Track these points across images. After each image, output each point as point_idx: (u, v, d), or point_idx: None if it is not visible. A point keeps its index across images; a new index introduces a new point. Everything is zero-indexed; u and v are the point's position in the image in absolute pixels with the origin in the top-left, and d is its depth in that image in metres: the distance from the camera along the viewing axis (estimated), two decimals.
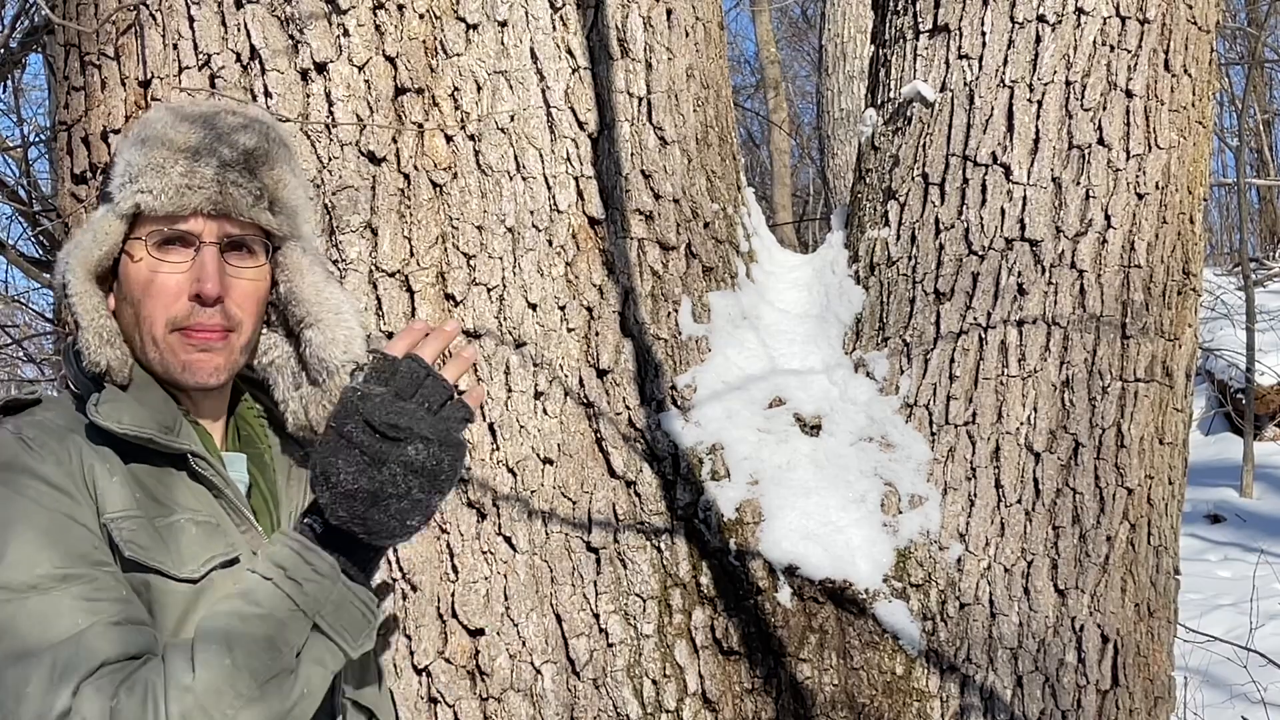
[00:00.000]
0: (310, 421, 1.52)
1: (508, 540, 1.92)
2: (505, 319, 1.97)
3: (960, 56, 2.27)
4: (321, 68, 1.93)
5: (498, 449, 1.93)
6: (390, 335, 1.91)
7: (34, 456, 1.27)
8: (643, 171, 2.12)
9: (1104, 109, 2.19)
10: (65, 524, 1.25)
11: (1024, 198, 2.18)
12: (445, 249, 1.95)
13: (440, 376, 1.33)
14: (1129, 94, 2.20)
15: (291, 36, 1.93)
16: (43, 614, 1.20)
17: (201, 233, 1.39)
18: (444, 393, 1.32)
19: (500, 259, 1.97)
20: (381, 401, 1.27)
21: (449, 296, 1.94)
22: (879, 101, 2.43)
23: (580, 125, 2.07)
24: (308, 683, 1.24)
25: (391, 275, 1.92)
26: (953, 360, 2.16)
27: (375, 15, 1.95)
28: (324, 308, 1.51)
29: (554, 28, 2.06)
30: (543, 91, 2.04)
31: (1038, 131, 2.19)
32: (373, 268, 1.92)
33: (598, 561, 1.96)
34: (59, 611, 1.21)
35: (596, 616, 1.94)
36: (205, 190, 1.38)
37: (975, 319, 2.17)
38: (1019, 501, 2.10)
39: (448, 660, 1.89)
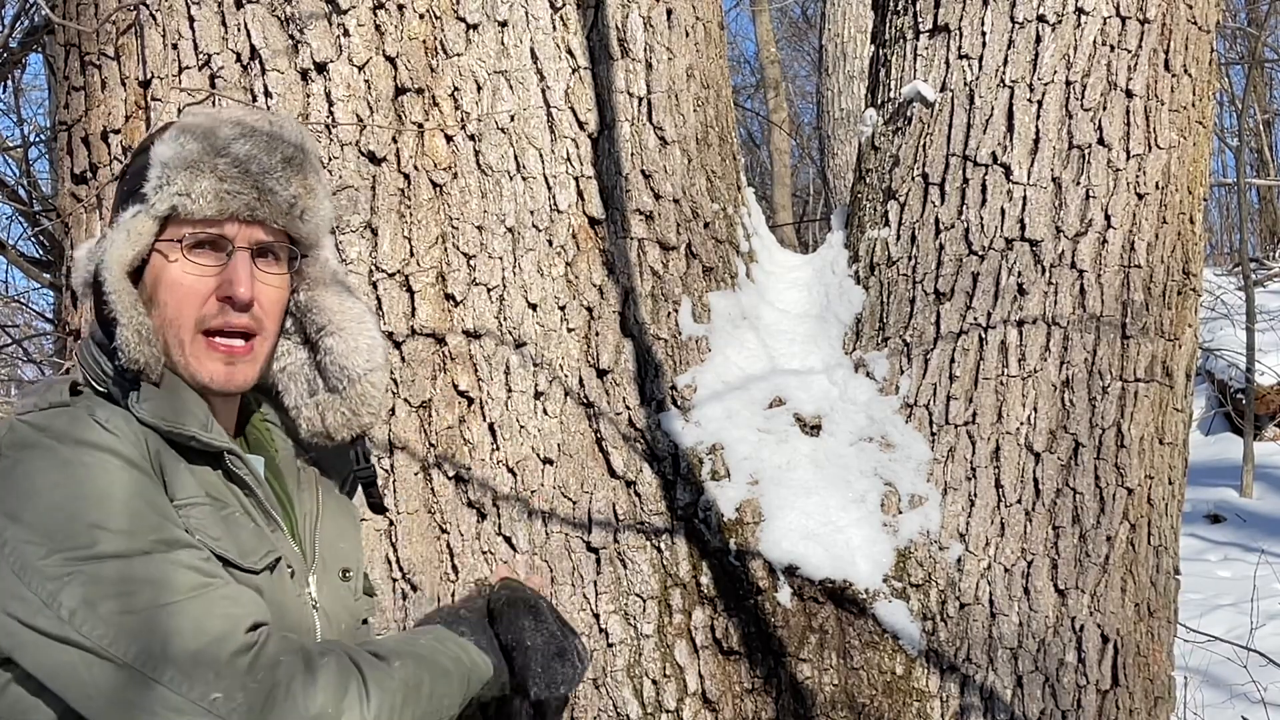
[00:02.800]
0: (326, 428, 1.53)
1: (508, 540, 1.92)
2: (505, 319, 1.97)
3: (960, 56, 2.27)
4: (321, 68, 1.93)
5: (498, 449, 1.93)
6: (390, 335, 1.91)
7: (113, 437, 1.28)
8: (643, 171, 2.12)
9: (1104, 109, 2.19)
10: (157, 498, 1.28)
11: (1024, 198, 2.18)
12: (445, 249, 1.95)
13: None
14: (1129, 94, 2.20)
15: (291, 36, 1.93)
16: (169, 571, 1.24)
17: (235, 237, 1.40)
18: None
19: (500, 259, 1.97)
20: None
21: (449, 296, 1.94)
22: (879, 101, 2.43)
23: (580, 125, 2.07)
24: None
25: (391, 275, 1.92)
26: (953, 360, 2.16)
27: (375, 15, 1.95)
28: (346, 316, 1.53)
29: (554, 28, 2.06)
30: (543, 91, 2.04)
31: (1038, 131, 2.19)
32: (373, 268, 1.92)
33: (598, 561, 1.96)
34: (185, 569, 1.25)
35: (596, 616, 1.94)
36: (244, 196, 1.39)
37: (975, 319, 2.17)
38: (1019, 501, 2.10)
39: None
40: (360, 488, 1.62)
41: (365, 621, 1.57)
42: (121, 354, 1.32)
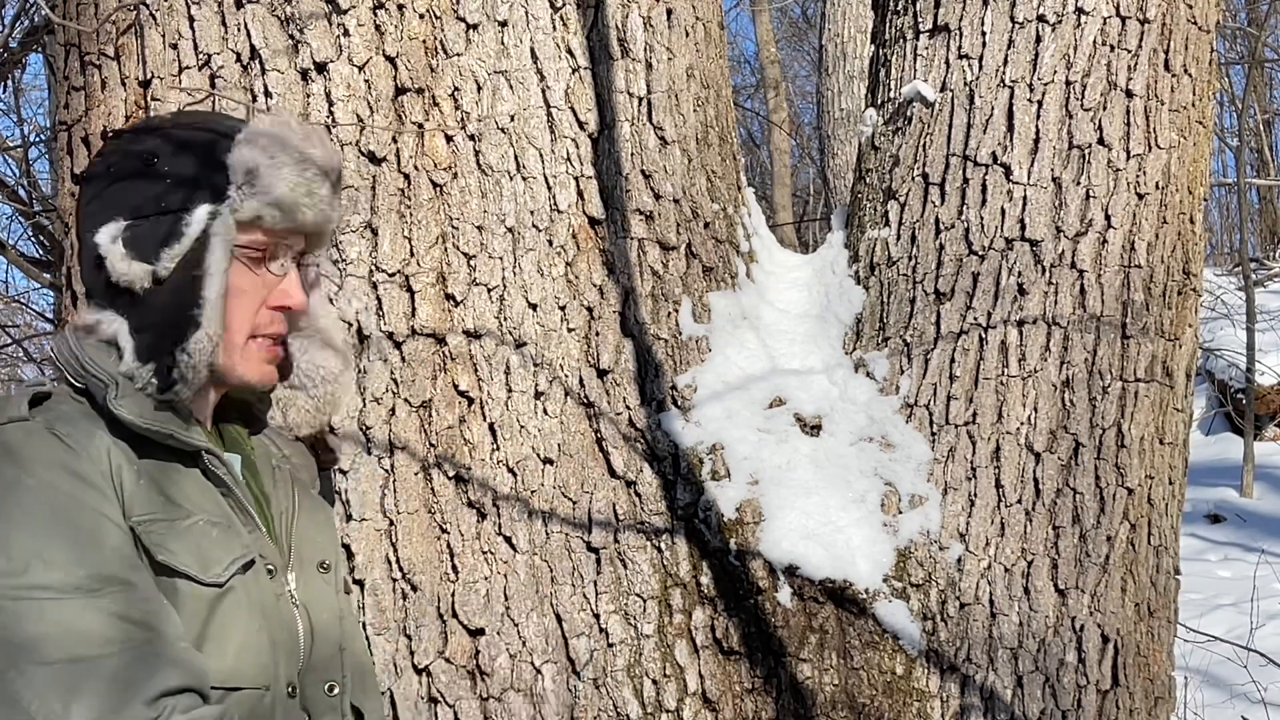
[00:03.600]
0: (288, 422, 1.56)
1: (508, 540, 1.92)
2: (505, 319, 1.97)
3: (960, 56, 2.27)
4: (321, 68, 1.93)
5: (498, 449, 1.93)
6: (390, 335, 1.91)
7: (70, 454, 1.26)
8: (643, 171, 2.12)
9: (1104, 109, 2.19)
10: (104, 524, 1.24)
11: (1024, 198, 2.18)
12: (445, 249, 1.95)
13: None
14: (1129, 94, 2.20)
15: (291, 36, 1.93)
16: (90, 617, 1.19)
17: (293, 246, 1.43)
18: None
19: (500, 259, 1.97)
20: None
21: (449, 296, 1.94)
22: (879, 101, 2.43)
23: (580, 125, 2.07)
24: None
25: (391, 275, 1.92)
26: (953, 360, 2.16)
27: (375, 15, 1.95)
28: (328, 319, 1.57)
29: (554, 28, 2.06)
30: (543, 91, 2.04)
31: (1038, 131, 2.19)
32: (373, 268, 1.92)
33: (598, 561, 1.96)
34: (108, 616, 1.19)
35: (597, 616, 1.94)
36: (320, 211, 1.43)
37: (975, 319, 2.17)
38: (1019, 501, 2.10)
39: (448, 660, 1.89)
40: (320, 481, 1.65)
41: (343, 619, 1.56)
42: (187, 358, 1.32)
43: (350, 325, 1.90)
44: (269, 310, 1.41)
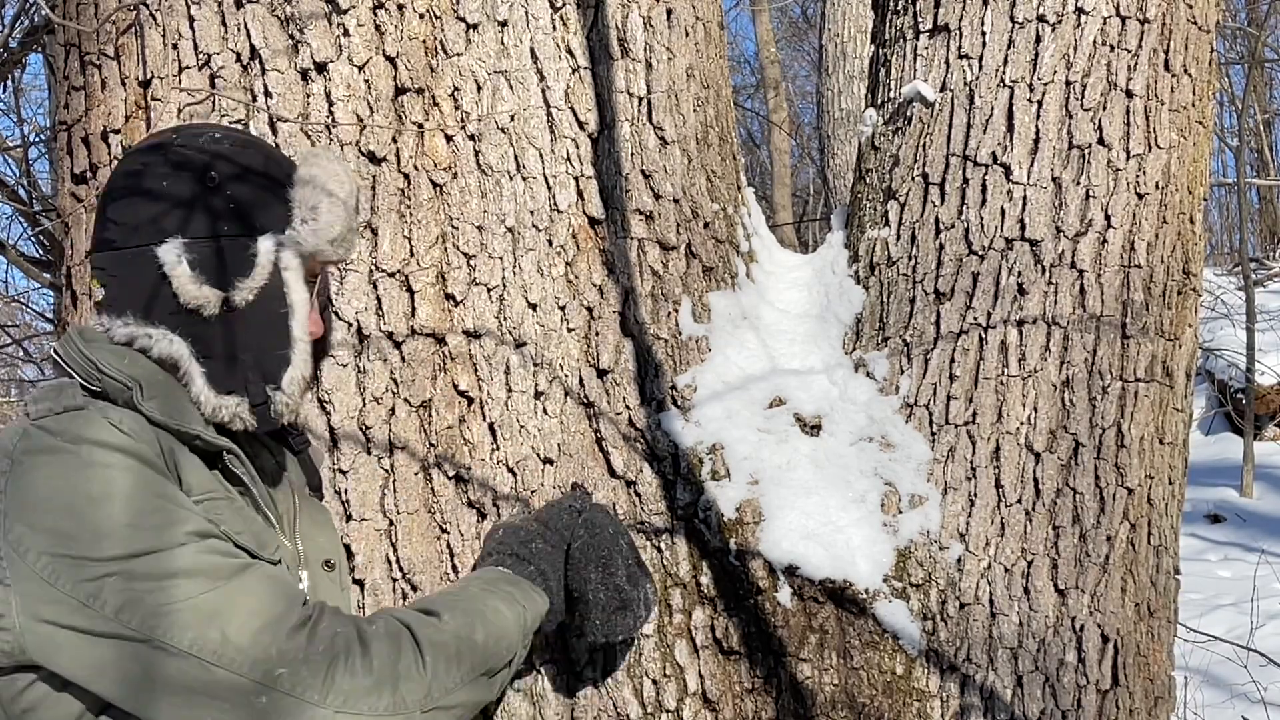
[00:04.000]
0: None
1: None
2: (505, 319, 1.97)
3: (960, 56, 2.27)
4: (321, 68, 1.93)
5: (498, 449, 1.93)
6: (390, 335, 1.91)
7: (126, 438, 1.29)
8: (643, 171, 2.12)
9: (1104, 109, 2.19)
10: (177, 495, 1.30)
11: (1024, 198, 2.18)
12: (445, 249, 1.95)
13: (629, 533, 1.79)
14: (1129, 94, 2.20)
15: (291, 36, 1.93)
16: (205, 556, 1.27)
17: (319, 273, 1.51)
18: (635, 549, 1.78)
19: (500, 259, 1.97)
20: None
21: (449, 296, 1.95)
22: (879, 101, 2.43)
23: (580, 125, 2.07)
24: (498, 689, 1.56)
25: (391, 275, 1.93)
26: (953, 360, 2.16)
27: (375, 15, 1.95)
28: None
29: (554, 28, 2.06)
30: (543, 91, 2.04)
31: (1038, 131, 2.19)
32: (373, 267, 1.92)
33: None
34: (222, 554, 1.29)
35: None
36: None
37: (975, 319, 2.17)
38: (1019, 501, 2.10)
39: None
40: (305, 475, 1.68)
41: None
42: (283, 397, 1.40)
43: (350, 325, 1.90)
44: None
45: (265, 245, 1.38)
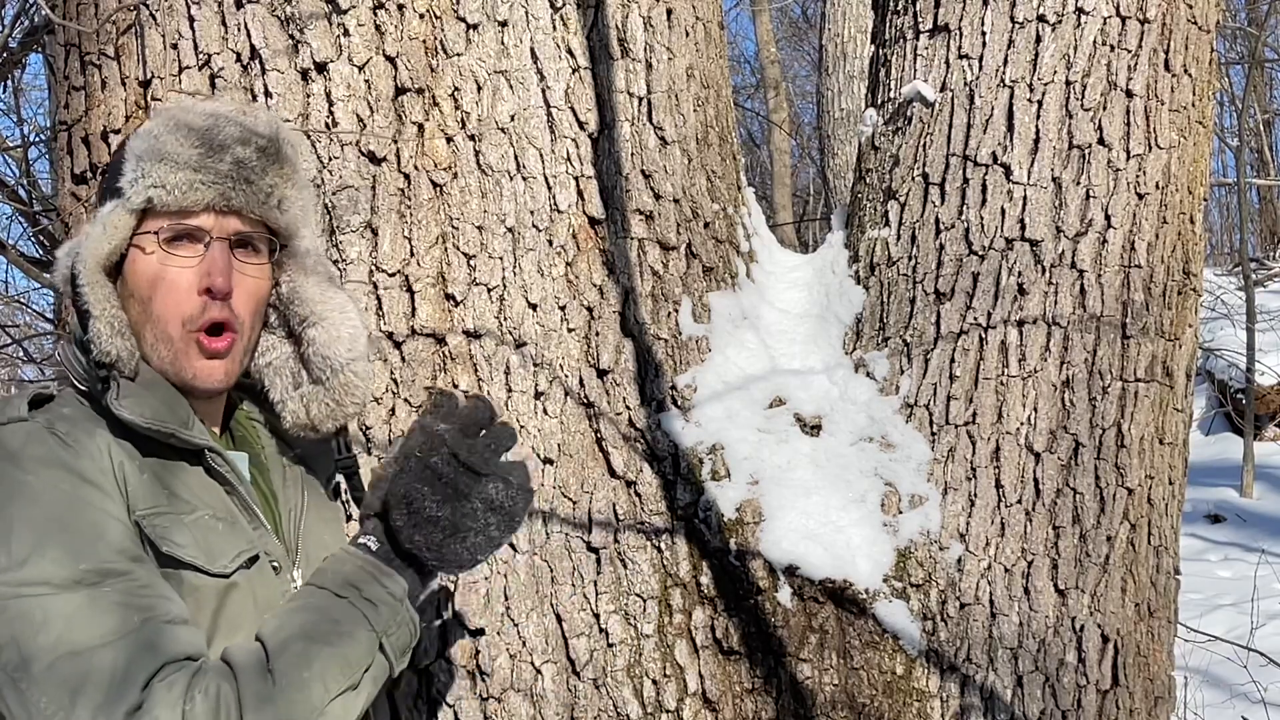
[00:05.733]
0: (311, 420, 1.52)
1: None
2: (505, 319, 1.97)
3: (960, 56, 2.27)
4: (322, 68, 1.93)
5: None
6: (390, 335, 1.91)
7: (69, 452, 1.26)
8: (643, 171, 2.12)
9: (1104, 109, 2.19)
10: (104, 519, 1.25)
11: (1024, 198, 2.18)
12: (445, 249, 1.95)
13: (505, 422, 1.41)
14: (1129, 94, 2.20)
15: (291, 36, 1.93)
16: (90, 610, 1.20)
17: (212, 228, 1.39)
18: (511, 438, 1.38)
19: (500, 259, 1.97)
20: (461, 437, 1.34)
21: (449, 296, 1.94)
22: (879, 101, 2.43)
23: (580, 125, 2.07)
24: (367, 698, 1.28)
25: (391, 275, 1.92)
26: (953, 360, 2.16)
27: (375, 15, 1.95)
28: (328, 306, 1.51)
29: (554, 28, 2.06)
30: (543, 91, 2.04)
31: (1038, 131, 2.19)
32: (373, 268, 1.92)
33: (598, 561, 1.96)
34: (107, 607, 1.20)
35: (597, 616, 1.94)
36: (218, 186, 1.38)
37: (975, 319, 2.17)
38: (1019, 501, 2.10)
39: (448, 660, 1.89)
40: (344, 480, 1.62)
41: None
42: (94, 346, 1.31)
43: None
44: (198, 297, 1.37)
45: (101, 212, 1.40)
